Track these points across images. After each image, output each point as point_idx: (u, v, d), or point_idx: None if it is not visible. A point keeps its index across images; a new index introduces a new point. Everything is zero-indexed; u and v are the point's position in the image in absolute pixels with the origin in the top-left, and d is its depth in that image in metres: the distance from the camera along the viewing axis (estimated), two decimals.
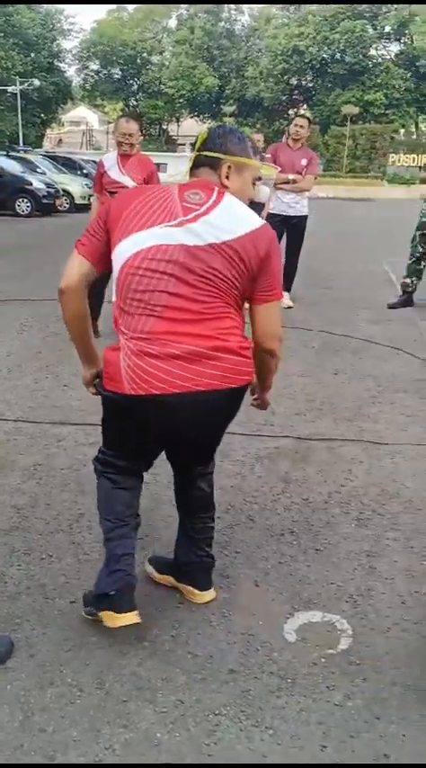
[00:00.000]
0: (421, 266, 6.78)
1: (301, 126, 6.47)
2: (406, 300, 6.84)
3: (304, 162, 6.50)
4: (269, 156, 6.62)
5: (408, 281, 6.83)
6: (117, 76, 43.02)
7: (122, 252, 1.78)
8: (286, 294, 6.77)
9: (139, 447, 1.93)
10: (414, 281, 6.80)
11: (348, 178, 34.13)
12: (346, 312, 6.55)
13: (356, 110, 36.65)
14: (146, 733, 1.64)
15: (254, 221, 1.83)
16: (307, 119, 6.66)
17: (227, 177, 1.89)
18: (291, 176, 6.40)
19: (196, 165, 1.93)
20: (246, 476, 3.06)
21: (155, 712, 1.70)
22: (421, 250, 6.72)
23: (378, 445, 3.45)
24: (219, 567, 2.32)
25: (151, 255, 1.75)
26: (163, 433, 1.91)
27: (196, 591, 2.14)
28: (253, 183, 1.99)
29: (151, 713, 1.70)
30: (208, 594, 2.15)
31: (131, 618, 1.87)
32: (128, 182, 4.67)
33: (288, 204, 6.48)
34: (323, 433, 3.61)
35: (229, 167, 1.88)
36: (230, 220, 1.79)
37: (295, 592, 2.23)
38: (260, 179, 2.01)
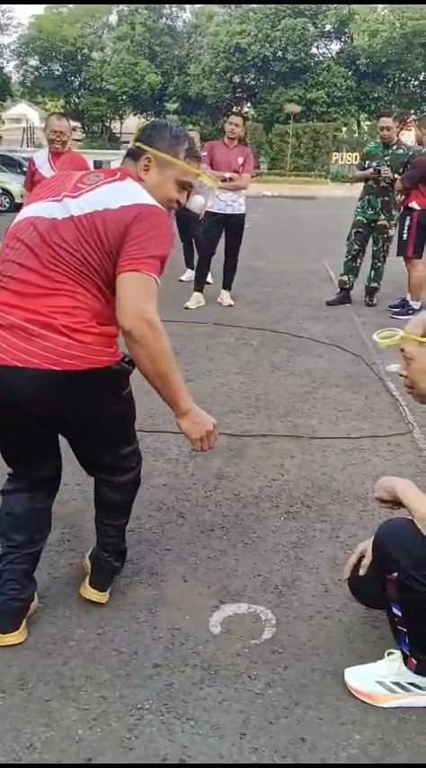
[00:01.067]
0: (358, 263, 6.93)
1: (236, 124, 6.51)
2: (344, 297, 6.98)
3: (240, 160, 6.55)
4: (205, 153, 6.66)
5: (345, 278, 6.97)
6: (57, 73, 42.43)
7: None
8: (226, 293, 6.84)
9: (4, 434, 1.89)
10: (351, 279, 6.94)
11: (292, 176, 34.53)
12: (285, 310, 6.65)
13: (298, 108, 37.05)
14: (67, 730, 1.66)
15: (136, 199, 1.72)
16: (242, 117, 6.72)
17: (145, 170, 1.84)
18: (228, 174, 6.44)
19: (126, 155, 1.91)
20: (179, 474, 3.09)
21: (78, 710, 1.72)
22: (356, 247, 6.86)
23: (311, 439, 3.54)
24: (148, 565, 2.36)
25: (22, 226, 1.77)
26: (7, 409, 1.78)
27: (88, 586, 2.11)
28: (185, 189, 1.91)
29: (74, 711, 1.72)
30: (97, 595, 2.10)
31: (12, 639, 1.91)
32: None
33: (226, 203, 6.52)
34: (258, 429, 3.68)
35: (149, 160, 1.84)
36: (108, 195, 1.73)
37: (222, 585, 2.27)
38: (191, 186, 1.93)
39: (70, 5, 40.44)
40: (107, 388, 1.80)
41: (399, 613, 1.67)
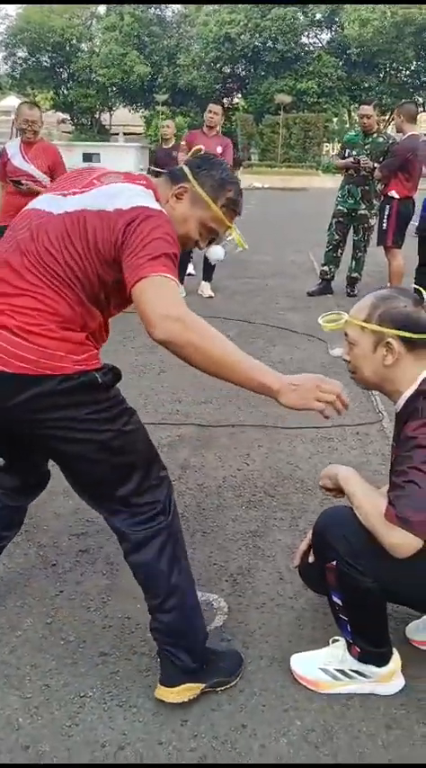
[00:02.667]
0: (339, 254, 6.92)
1: (215, 113, 6.49)
2: (325, 288, 6.97)
3: (219, 149, 6.52)
4: (183, 143, 6.64)
5: (326, 268, 6.96)
6: (46, 64, 42.01)
7: None
8: (206, 284, 6.82)
9: None
10: (332, 269, 6.94)
11: (283, 168, 34.39)
12: (266, 301, 6.64)
13: (289, 99, 36.82)
14: (8, 719, 1.66)
15: (135, 202, 1.53)
16: (221, 105, 6.68)
17: (178, 198, 1.68)
18: None
19: (166, 173, 1.77)
20: None
21: (20, 698, 1.72)
22: (337, 237, 6.85)
23: (279, 429, 3.54)
24: (105, 555, 2.36)
25: (19, 218, 1.66)
26: None
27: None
28: (209, 234, 1.76)
29: (16, 699, 1.72)
30: (161, 691, 1.75)
31: None
32: (32, 170, 4.61)
33: None
34: (228, 419, 3.67)
35: (185, 190, 1.68)
36: (112, 194, 1.56)
37: None
38: (217, 235, 1.78)
39: None
40: (77, 404, 1.51)
41: (339, 602, 1.67)
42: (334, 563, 1.62)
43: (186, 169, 1.73)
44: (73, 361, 1.50)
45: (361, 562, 1.56)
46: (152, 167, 7.47)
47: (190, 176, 1.70)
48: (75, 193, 1.61)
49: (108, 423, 1.56)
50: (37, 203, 1.66)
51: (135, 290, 1.43)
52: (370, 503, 1.55)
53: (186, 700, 1.71)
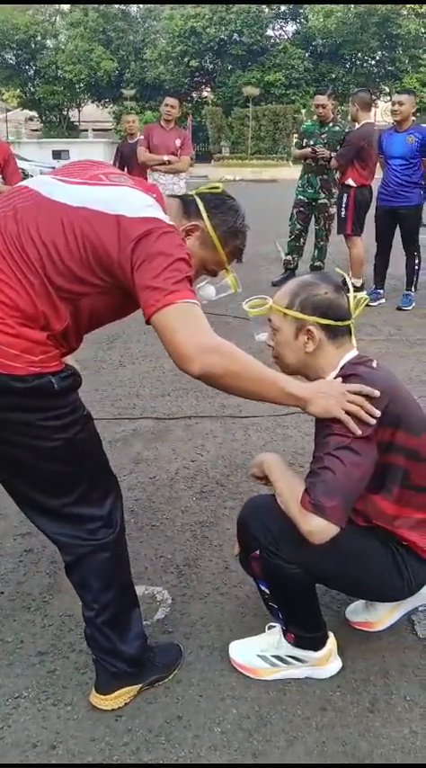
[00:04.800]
0: (301, 243, 6.92)
1: (172, 106, 6.45)
2: (289, 277, 6.89)
3: (178, 142, 6.50)
4: (142, 137, 6.59)
5: (289, 257, 6.97)
6: (11, 62, 41.51)
7: None
8: None
9: None
10: (295, 258, 6.94)
11: (254, 160, 34.38)
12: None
13: (257, 91, 36.80)
14: None
15: (149, 213, 1.43)
16: (177, 99, 6.63)
17: (188, 235, 1.62)
18: (166, 157, 6.39)
19: (177, 197, 1.70)
20: None
21: None
22: (299, 227, 6.85)
23: (235, 419, 3.52)
24: (49, 554, 2.33)
25: (12, 192, 1.52)
26: None
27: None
28: (207, 274, 1.76)
29: None
30: (95, 698, 1.71)
31: None
32: None
33: (165, 186, 6.45)
34: (185, 411, 3.65)
35: (196, 228, 1.64)
36: (121, 198, 1.45)
37: None
38: (215, 275, 1.79)
39: None
40: (29, 408, 1.41)
41: (267, 590, 1.66)
42: (257, 552, 1.60)
43: (201, 205, 1.65)
44: (27, 361, 1.38)
45: (283, 550, 1.55)
46: (117, 164, 7.37)
47: (205, 216, 1.64)
48: (78, 183, 1.49)
49: (59, 431, 1.45)
50: (32, 183, 1.53)
51: (160, 318, 1.35)
52: (290, 490, 1.53)
53: (123, 704, 1.68)
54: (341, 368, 1.61)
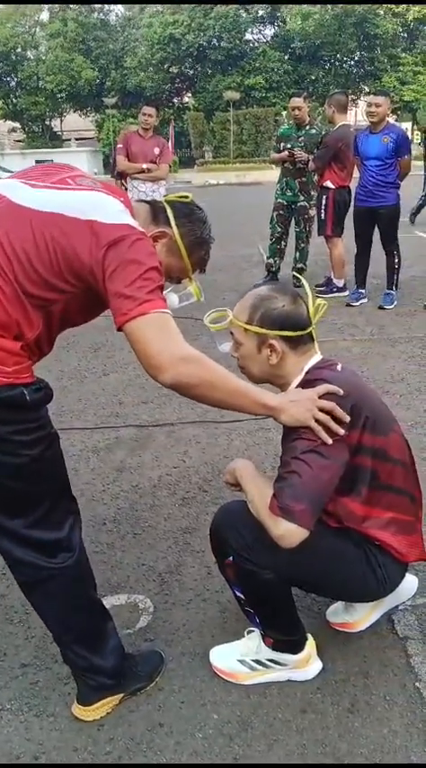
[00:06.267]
0: (282, 246, 6.95)
1: (150, 114, 6.47)
2: (271, 280, 7.00)
3: (156, 151, 6.51)
4: (120, 146, 6.60)
5: (271, 261, 7.00)
6: None
7: None
8: None
9: None
10: (277, 261, 6.97)
11: (237, 163, 34.48)
12: (212, 296, 6.63)
13: (237, 95, 36.94)
14: None
15: (120, 218, 1.43)
16: (155, 107, 6.65)
17: (154, 240, 1.60)
18: (144, 165, 6.41)
19: (145, 201, 1.71)
20: (79, 470, 3.06)
21: None
22: (280, 230, 6.88)
23: (217, 424, 3.54)
24: None
25: None
26: None
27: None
28: (171, 282, 1.76)
29: None
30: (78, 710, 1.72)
31: None
32: None
33: (145, 194, 6.47)
34: (167, 418, 3.66)
35: (164, 235, 1.64)
36: (92, 202, 1.45)
37: (105, 578, 2.26)
38: (178, 283, 1.80)
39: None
40: None
41: (241, 596, 1.67)
42: (231, 558, 1.62)
43: (170, 213, 1.66)
44: None
45: (256, 555, 1.56)
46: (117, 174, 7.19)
47: (174, 224, 1.65)
48: (46, 187, 1.48)
49: (26, 447, 1.42)
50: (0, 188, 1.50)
51: (133, 327, 1.36)
52: (260, 496, 1.54)
53: (104, 714, 1.69)
54: (306, 373, 1.63)
